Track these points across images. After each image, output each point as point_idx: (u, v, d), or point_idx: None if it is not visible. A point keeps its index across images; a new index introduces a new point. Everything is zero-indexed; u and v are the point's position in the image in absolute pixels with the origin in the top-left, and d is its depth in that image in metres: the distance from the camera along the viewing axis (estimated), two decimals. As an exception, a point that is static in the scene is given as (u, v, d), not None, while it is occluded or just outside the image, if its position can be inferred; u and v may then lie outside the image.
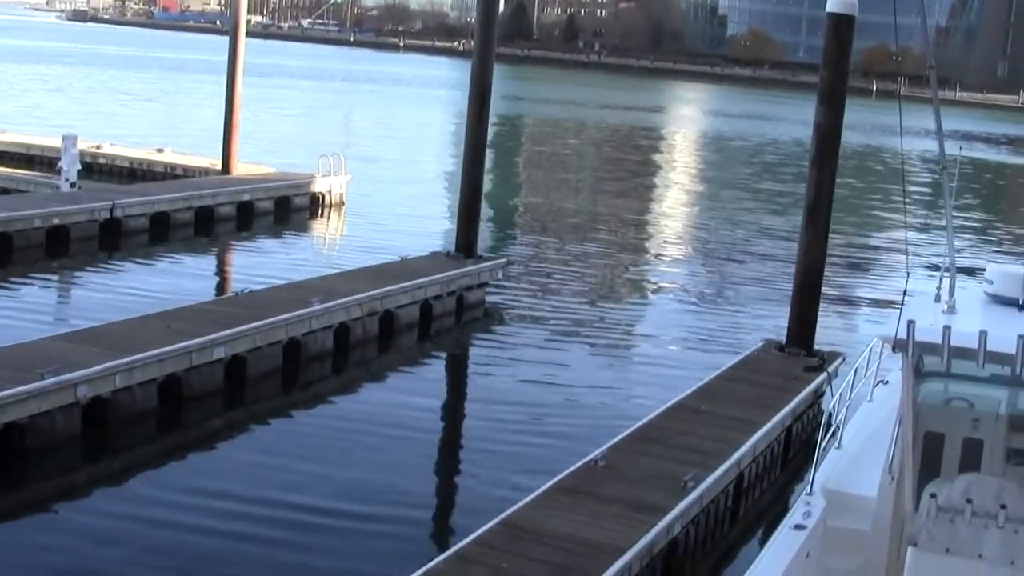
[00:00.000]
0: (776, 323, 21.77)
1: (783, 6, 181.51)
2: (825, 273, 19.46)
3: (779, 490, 15.13)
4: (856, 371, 12.08)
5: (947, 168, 10.78)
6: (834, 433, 10.72)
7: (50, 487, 13.35)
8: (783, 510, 9.82)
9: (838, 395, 11.27)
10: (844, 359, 18.28)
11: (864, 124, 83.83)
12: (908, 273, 10.66)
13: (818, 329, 19.16)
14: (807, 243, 18.78)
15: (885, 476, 10.08)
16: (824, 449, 10.27)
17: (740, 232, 35.59)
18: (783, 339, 18.94)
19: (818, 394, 17.16)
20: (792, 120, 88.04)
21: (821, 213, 18.66)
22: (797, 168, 53.72)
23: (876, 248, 35.31)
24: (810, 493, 9.77)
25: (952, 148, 10.09)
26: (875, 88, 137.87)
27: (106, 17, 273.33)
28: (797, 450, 16.09)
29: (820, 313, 19.26)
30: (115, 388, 14.62)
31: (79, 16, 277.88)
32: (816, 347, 18.76)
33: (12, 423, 13.35)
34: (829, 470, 10.28)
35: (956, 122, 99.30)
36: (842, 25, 18.22)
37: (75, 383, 14.05)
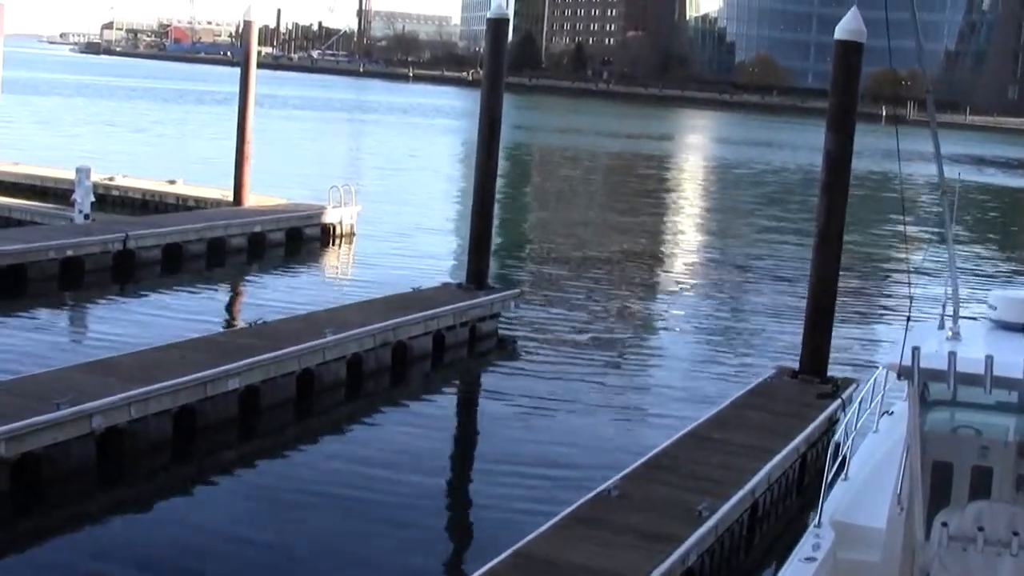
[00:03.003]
0: (789, 350, 21.75)
1: (791, 32, 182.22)
2: (837, 299, 19.44)
3: (794, 518, 15.07)
4: (862, 400, 12.03)
5: (947, 193, 10.74)
6: (842, 464, 10.67)
7: (65, 517, 13.38)
8: (797, 539, 9.77)
9: (844, 425, 11.20)
10: (857, 385, 18.22)
11: (873, 150, 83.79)
12: (911, 299, 10.65)
13: (831, 355, 19.14)
14: (818, 270, 18.76)
15: (894, 507, 10.01)
16: (832, 480, 10.21)
17: (751, 259, 35.60)
18: (796, 366, 18.92)
19: (832, 421, 17.09)
20: (803, 147, 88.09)
21: (832, 240, 18.65)
22: (805, 195, 53.73)
23: (888, 273, 35.27)
24: (819, 525, 9.70)
25: (952, 173, 10.08)
26: (884, 113, 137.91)
27: (118, 49, 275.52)
28: (812, 478, 16.01)
29: (832, 339, 19.23)
30: (130, 418, 14.69)
31: (92, 48, 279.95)
32: (829, 373, 18.74)
33: (28, 453, 13.43)
34: (837, 501, 10.22)
35: (966, 146, 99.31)
36: (850, 52, 18.27)
37: (90, 413, 14.12)
